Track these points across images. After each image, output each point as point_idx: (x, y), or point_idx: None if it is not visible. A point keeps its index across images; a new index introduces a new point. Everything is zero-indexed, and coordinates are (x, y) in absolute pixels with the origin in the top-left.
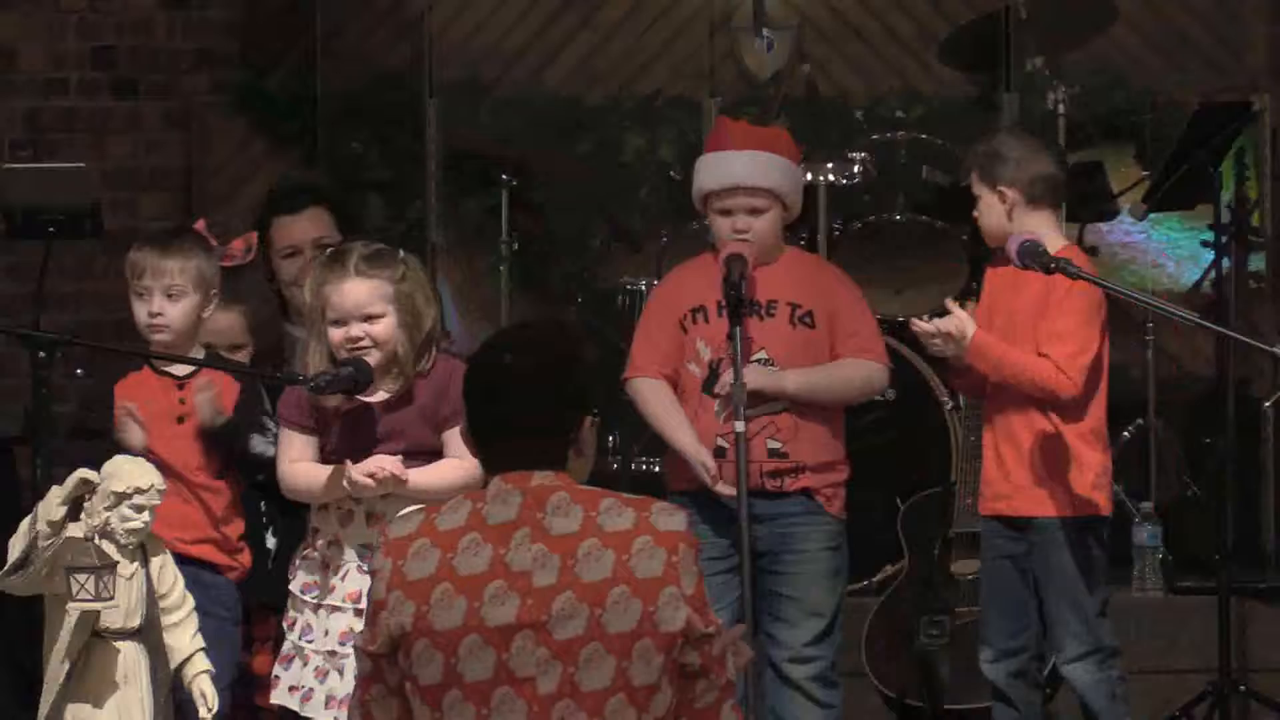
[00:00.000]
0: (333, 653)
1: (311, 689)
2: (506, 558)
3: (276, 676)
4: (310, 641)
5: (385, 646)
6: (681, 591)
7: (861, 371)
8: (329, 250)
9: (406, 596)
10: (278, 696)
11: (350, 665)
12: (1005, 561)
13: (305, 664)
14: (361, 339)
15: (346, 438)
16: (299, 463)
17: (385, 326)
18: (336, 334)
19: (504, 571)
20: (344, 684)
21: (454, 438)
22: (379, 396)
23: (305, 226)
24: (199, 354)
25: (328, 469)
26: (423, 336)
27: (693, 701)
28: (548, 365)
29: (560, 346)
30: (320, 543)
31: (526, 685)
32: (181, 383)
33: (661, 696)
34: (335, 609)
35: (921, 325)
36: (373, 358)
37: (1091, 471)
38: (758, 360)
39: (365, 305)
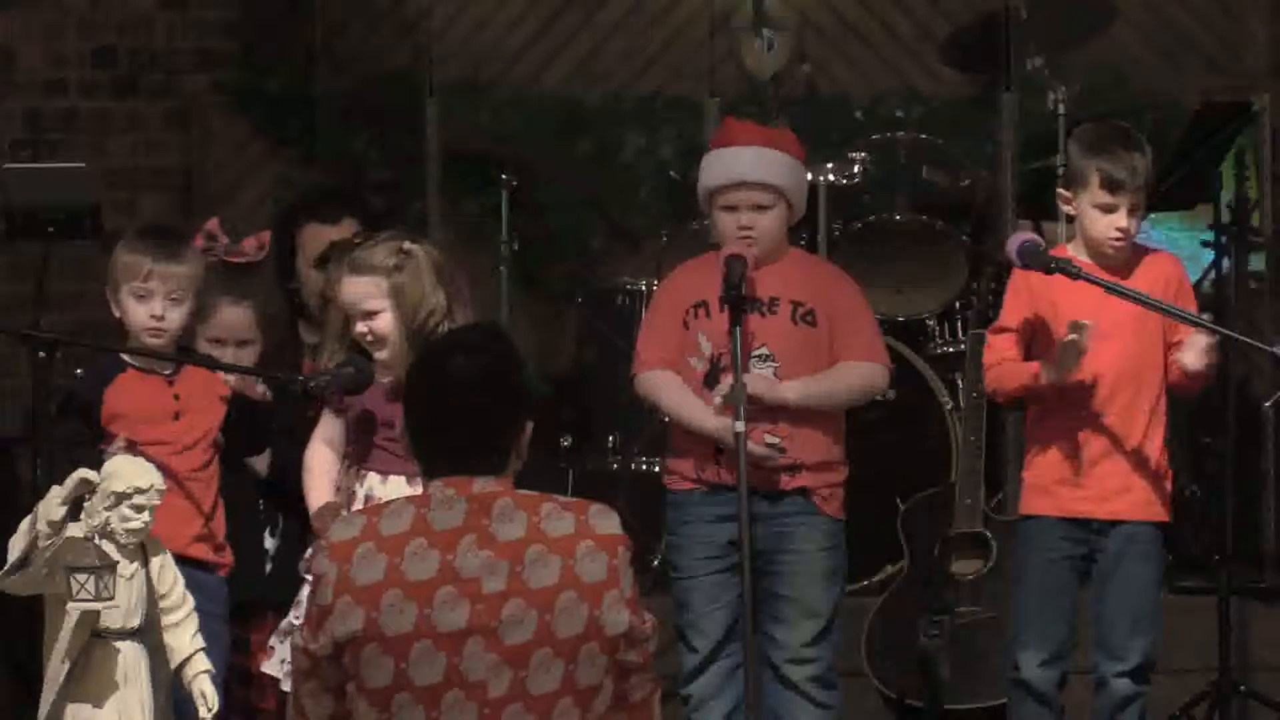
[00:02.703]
0: None
1: None
2: (455, 563)
3: (272, 647)
4: (299, 617)
5: (328, 649)
6: (622, 594)
7: (860, 376)
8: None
9: (356, 602)
10: (269, 666)
11: None
12: (1064, 563)
13: None
14: (366, 334)
15: (353, 427)
16: (319, 456)
17: (384, 322)
18: (352, 326)
19: (453, 577)
20: None
21: None
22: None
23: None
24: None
25: (321, 488)
26: (416, 326)
27: (627, 695)
28: (492, 371)
29: (502, 353)
30: None
31: (477, 689)
32: (170, 380)
33: (603, 695)
34: None
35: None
36: (381, 351)
37: (1170, 477)
38: (758, 356)
39: (360, 302)
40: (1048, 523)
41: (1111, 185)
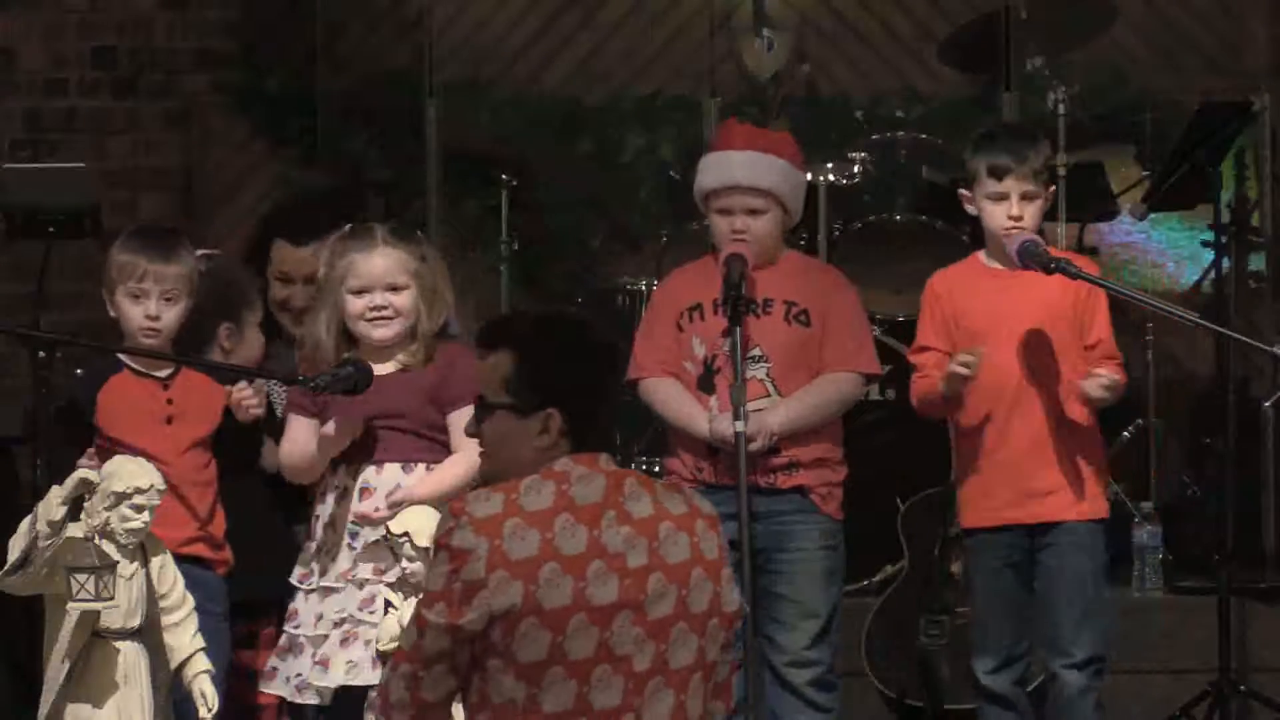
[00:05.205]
0: (324, 636)
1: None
2: (601, 539)
3: (273, 669)
4: (298, 628)
5: (481, 623)
6: (729, 574)
7: (837, 389)
8: (350, 225)
9: (512, 576)
10: (273, 687)
11: (363, 633)
12: (1008, 570)
13: (300, 654)
14: (385, 308)
15: (350, 413)
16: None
17: (407, 298)
18: (358, 303)
19: (602, 552)
20: (346, 653)
21: (459, 420)
22: (390, 368)
23: (308, 259)
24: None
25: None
26: (428, 317)
27: (716, 673)
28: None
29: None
30: (318, 529)
31: (624, 663)
32: (165, 384)
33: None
34: (330, 590)
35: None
36: (392, 329)
37: (1106, 474)
38: (751, 358)
39: (391, 275)
40: (982, 533)
41: (996, 172)
